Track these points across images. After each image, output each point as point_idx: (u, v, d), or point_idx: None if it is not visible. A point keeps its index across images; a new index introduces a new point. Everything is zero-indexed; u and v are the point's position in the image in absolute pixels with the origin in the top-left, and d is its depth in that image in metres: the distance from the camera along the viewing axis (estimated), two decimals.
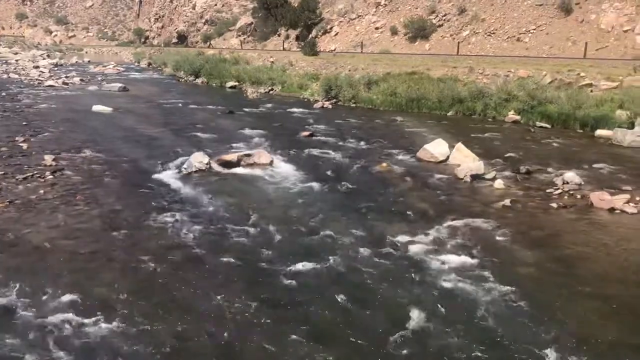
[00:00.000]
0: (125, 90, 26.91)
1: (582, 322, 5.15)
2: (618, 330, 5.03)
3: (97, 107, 19.10)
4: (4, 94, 23.36)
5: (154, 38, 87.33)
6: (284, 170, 10.67)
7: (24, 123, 15.48)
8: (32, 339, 4.72)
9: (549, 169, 10.67)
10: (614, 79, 16.69)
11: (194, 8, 76.37)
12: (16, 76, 33.04)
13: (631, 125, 13.62)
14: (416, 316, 5.20)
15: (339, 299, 5.52)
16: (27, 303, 5.30)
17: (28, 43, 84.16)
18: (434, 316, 5.19)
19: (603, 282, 6.00)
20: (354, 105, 21.34)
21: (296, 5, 50.30)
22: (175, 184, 9.61)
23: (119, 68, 45.00)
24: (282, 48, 48.15)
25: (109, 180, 9.80)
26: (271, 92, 26.47)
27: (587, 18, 29.08)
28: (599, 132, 14.38)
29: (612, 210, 8.28)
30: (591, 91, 16.55)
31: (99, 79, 33.72)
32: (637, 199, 8.63)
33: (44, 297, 5.40)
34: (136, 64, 56.16)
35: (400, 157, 12.02)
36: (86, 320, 5.02)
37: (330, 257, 6.50)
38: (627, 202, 8.45)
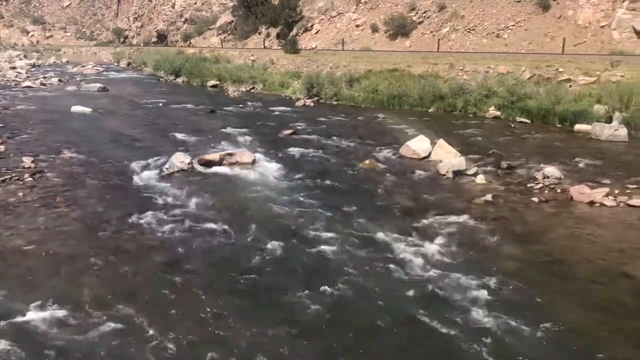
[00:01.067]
0: (104, 91, 26.55)
1: (565, 313, 5.20)
2: (600, 321, 5.11)
3: (76, 108, 18.80)
4: None
5: (133, 37, 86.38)
6: (267, 169, 10.63)
7: (1, 125, 15.19)
8: (9, 342, 4.64)
9: (530, 164, 10.79)
10: (592, 74, 16.92)
11: (173, 7, 75.73)
12: None
13: (609, 120, 13.82)
14: (400, 311, 5.23)
15: (321, 295, 5.51)
16: (5, 307, 5.21)
17: (4, 43, 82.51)
18: (417, 311, 5.22)
19: (584, 274, 6.08)
20: (335, 102, 21.34)
21: (276, 3, 50.16)
22: (157, 184, 9.53)
23: (98, 68, 44.31)
24: (263, 46, 47.98)
25: (90, 182, 9.68)
26: (252, 90, 26.37)
27: (565, 14, 29.46)
28: (578, 126, 14.58)
29: (591, 203, 8.40)
30: (570, 86, 16.76)
31: (78, 79, 33.25)
32: (616, 192, 8.76)
33: (23, 301, 5.30)
34: (115, 63, 55.44)
35: (383, 154, 12.05)
36: (66, 324, 4.95)
37: (313, 255, 6.52)
38: (606, 195, 8.57)
